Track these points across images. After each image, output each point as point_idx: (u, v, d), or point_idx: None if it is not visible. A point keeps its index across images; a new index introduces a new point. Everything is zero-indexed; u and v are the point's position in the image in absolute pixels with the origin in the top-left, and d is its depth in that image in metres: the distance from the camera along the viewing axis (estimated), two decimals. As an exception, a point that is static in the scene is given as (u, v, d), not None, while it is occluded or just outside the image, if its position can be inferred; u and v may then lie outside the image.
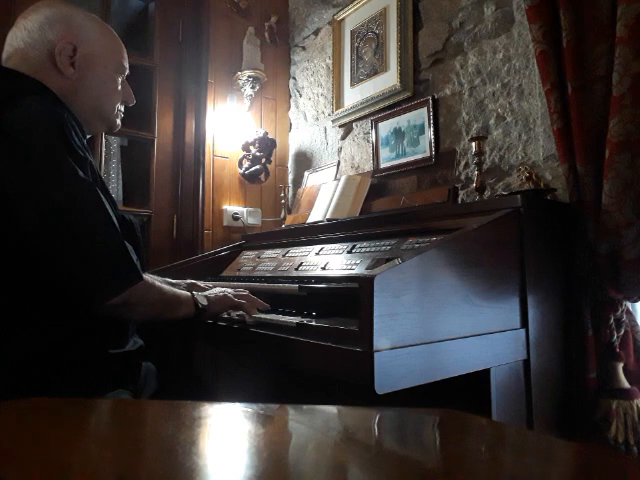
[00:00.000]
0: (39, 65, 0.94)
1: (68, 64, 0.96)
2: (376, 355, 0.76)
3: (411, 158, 1.83)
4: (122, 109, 1.11)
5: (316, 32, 2.42)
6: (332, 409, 0.48)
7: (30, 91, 0.90)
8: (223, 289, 1.16)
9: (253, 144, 2.28)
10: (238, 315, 1.11)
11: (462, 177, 1.67)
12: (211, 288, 1.20)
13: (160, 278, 1.15)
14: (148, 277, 0.94)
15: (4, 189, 0.79)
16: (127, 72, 1.11)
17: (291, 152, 2.54)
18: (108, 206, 0.85)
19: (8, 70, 0.94)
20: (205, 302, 1.05)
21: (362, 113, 2.07)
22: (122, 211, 1.00)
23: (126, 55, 1.10)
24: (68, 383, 0.83)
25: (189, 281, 1.28)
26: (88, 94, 1.00)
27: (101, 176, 0.93)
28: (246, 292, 1.16)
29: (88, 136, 1.07)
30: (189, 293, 1.05)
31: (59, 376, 0.83)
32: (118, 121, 1.10)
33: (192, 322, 1.26)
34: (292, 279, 1.36)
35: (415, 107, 1.82)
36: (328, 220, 1.74)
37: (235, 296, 1.12)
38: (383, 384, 0.76)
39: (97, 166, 0.92)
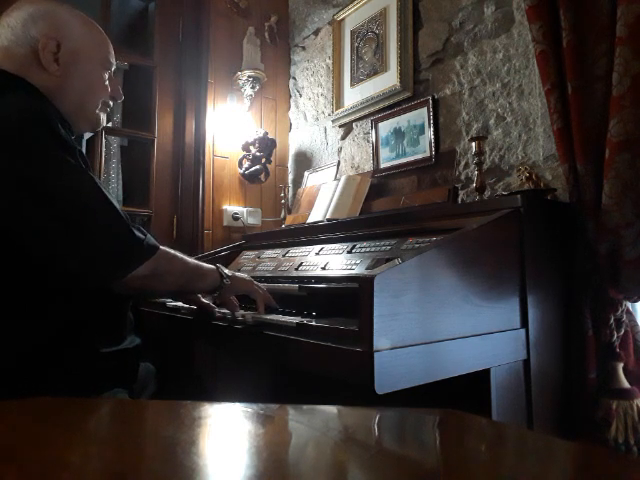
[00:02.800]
0: (23, 62, 0.94)
1: (52, 60, 0.95)
2: (376, 355, 0.76)
3: (411, 158, 1.83)
4: (111, 104, 1.10)
5: (316, 32, 2.42)
6: (332, 409, 0.48)
7: (12, 87, 0.90)
8: (244, 274, 1.18)
9: (253, 144, 2.28)
10: (243, 315, 1.11)
11: (462, 177, 1.67)
12: None
13: None
14: (167, 248, 0.94)
15: None
16: (114, 67, 1.10)
17: (291, 152, 2.54)
18: (103, 188, 0.85)
19: None
20: (230, 274, 1.08)
21: (362, 113, 2.07)
22: None
23: (112, 50, 1.08)
24: (64, 381, 0.83)
25: None
26: (73, 90, 0.99)
27: (90, 167, 0.92)
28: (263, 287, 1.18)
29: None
30: (213, 265, 1.07)
31: (54, 374, 0.83)
32: (102, 117, 1.08)
33: (192, 322, 1.26)
34: (292, 279, 1.36)
35: (415, 107, 1.82)
36: (328, 220, 1.74)
37: (256, 284, 1.14)
38: (383, 384, 0.76)
39: (87, 158, 0.91)
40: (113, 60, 1.09)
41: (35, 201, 0.79)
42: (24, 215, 0.79)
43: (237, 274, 1.12)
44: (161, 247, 0.91)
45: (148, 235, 0.89)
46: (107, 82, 1.06)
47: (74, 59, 0.98)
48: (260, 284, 1.17)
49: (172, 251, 0.95)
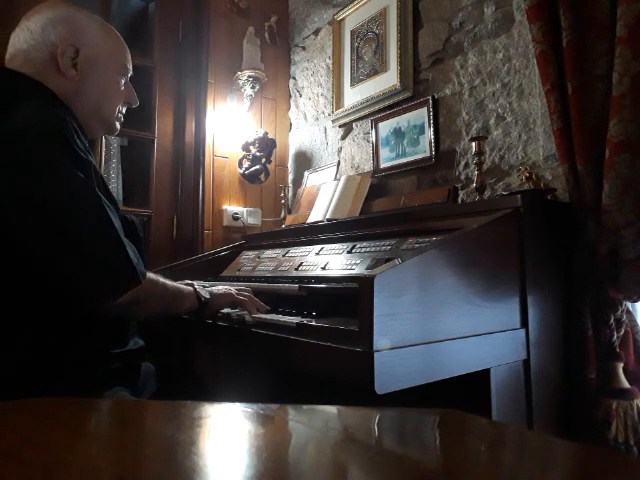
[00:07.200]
0: (41, 66, 0.94)
1: (70, 65, 0.96)
2: (376, 355, 0.76)
3: (411, 158, 1.83)
4: (123, 111, 1.11)
5: (316, 32, 2.42)
6: (332, 409, 0.48)
7: (30, 93, 0.89)
8: (226, 286, 1.18)
9: (253, 144, 2.28)
10: (238, 315, 1.12)
11: (462, 177, 1.67)
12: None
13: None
14: (151, 274, 0.94)
15: (1, 193, 0.78)
16: (130, 73, 1.11)
17: (291, 152, 2.54)
18: (108, 208, 0.85)
19: (9, 71, 0.94)
20: (207, 295, 1.07)
21: (362, 113, 2.07)
22: (124, 212, 1.00)
23: (129, 56, 1.10)
24: (69, 382, 0.83)
25: (187, 281, 1.29)
26: (90, 96, 1.00)
27: (104, 178, 0.93)
28: (249, 290, 1.17)
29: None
30: (191, 287, 1.06)
31: (60, 375, 0.83)
32: (117, 125, 1.10)
33: (192, 322, 1.26)
34: (292, 279, 1.36)
35: (415, 107, 1.82)
36: (328, 220, 1.74)
37: (237, 294, 1.14)
38: (383, 384, 0.76)
39: (98, 168, 0.92)
40: (130, 66, 1.10)
41: (36, 218, 0.79)
42: (24, 229, 0.79)
43: (216, 290, 1.12)
44: (147, 273, 0.90)
45: (139, 260, 0.88)
46: (123, 88, 1.07)
47: (92, 65, 0.99)
48: (244, 289, 1.17)
49: (155, 276, 0.95)
